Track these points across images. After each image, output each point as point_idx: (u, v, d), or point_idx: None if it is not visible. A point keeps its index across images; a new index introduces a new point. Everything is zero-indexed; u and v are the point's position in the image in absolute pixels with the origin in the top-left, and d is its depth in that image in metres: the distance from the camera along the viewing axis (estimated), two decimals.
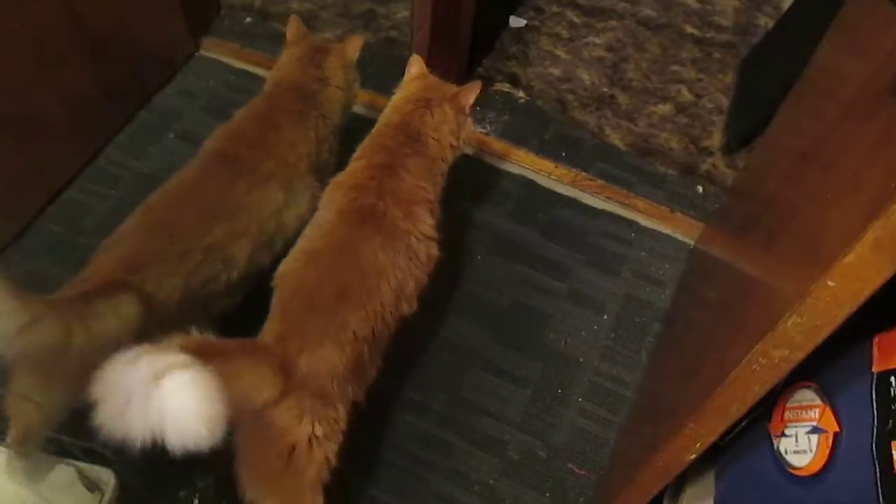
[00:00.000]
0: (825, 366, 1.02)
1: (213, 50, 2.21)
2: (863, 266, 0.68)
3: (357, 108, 2.05)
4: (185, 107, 2.06)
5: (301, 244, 1.30)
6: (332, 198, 1.35)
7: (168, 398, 0.86)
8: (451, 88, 1.49)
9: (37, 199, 1.81)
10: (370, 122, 1.98)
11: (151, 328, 1.23)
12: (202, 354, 0.93)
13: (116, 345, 1.10)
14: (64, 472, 1.33)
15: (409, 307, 1.38)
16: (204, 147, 1.46)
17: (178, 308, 1.29)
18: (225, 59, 2.19)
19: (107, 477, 1.39)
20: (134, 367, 0.87)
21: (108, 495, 1.37)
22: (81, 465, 1.36)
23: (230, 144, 1.45)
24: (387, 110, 1.50)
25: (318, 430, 1.13)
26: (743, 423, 1.02)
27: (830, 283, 0.71)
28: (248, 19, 2.31)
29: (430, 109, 1.44)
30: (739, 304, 1.11)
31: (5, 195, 1.71)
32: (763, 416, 1.11)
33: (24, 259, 1.73)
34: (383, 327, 1.27)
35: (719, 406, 0.93)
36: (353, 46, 1.63)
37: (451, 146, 1.47)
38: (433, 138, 1.43)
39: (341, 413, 1.19)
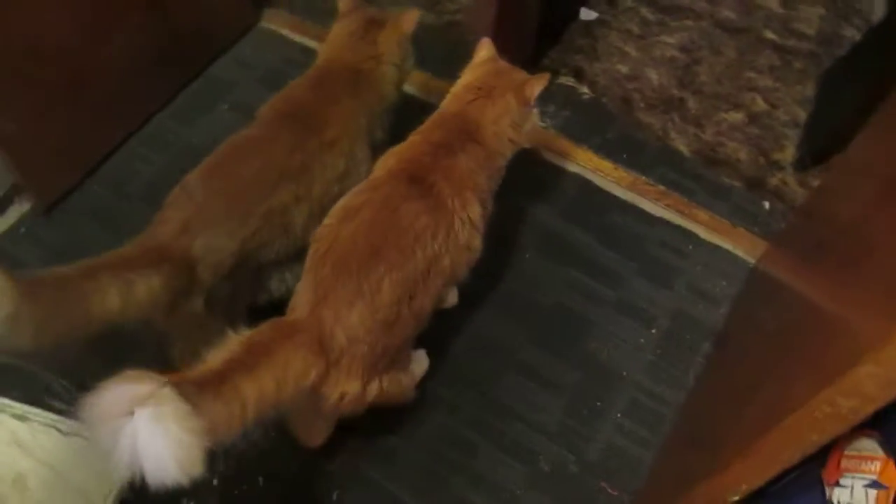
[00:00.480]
0: (892, 414, 0.93)
1: (273, 22, 2.17)
2: None
3: (415, 92, 2.01)
4: (240, 78, 2.03)
5: (342, 201, 1.27)
6: (384, 164, 1.33)
7: (138, 435, 0.82)
8: (519, 76, 1.42)
9: (86, 161, 1.80)
10: (427, 106, 1.95)
11: (195, 297, 1.21)
12: (245, 357, 0.99)
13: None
14: (79, 440, 1.31)
15: (446, 292, 1.33)
16: (261, 112, 1.43)
17: (229, 277, 1.27)
18: (285, 32, 2.15)
19: None
20: (102, 401, 0.83)
21: None
22: None
23: (293, 108, 1.42)
24: (448, 95, 1.44)
25: (361, 386, 1.18)
26: (796, 472, 0.94)
27: None
28: None
29: (492, 99, 1.37)
30: (804, 339, 1.03)
31: (56, 155, 1.71)
32: (817, 459, 1.02)
33: (68, 219, 1.73)
34: (417, 296, 1.23)
35: (771, 449, 0.86)
36: (409, 20, 1.55)
37: (510, 140, 1.40)
38: (492, 130, 1.37)
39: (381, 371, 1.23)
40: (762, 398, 1.03)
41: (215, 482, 1.40)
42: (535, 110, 1.44)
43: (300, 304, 1.17)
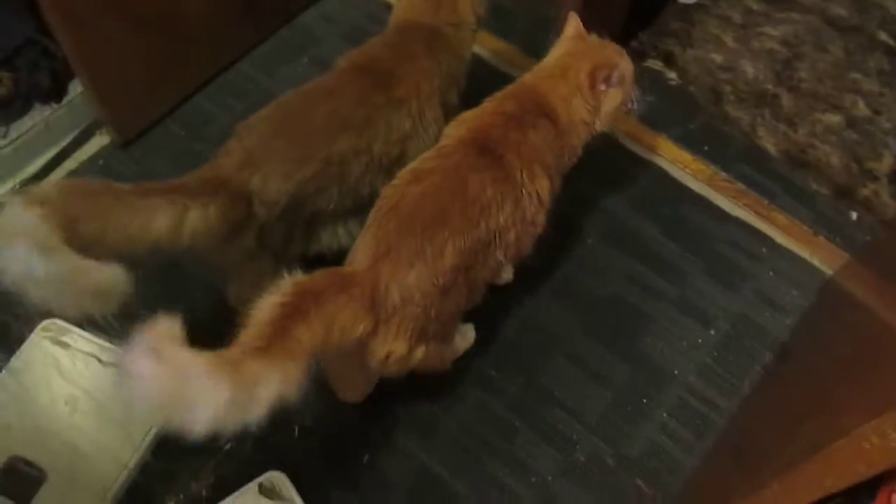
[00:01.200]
0: None
1: None
2: None
3: (495, 62, 1.97)
4: (324, 32, 2.03)
5: (412, 165, 1.27)
6: (454, 132, 1.31)
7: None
8: (601, 54, 1.37)
9: (167, 100, 1.84)
10: (505, 76, 1.91)
11: (247, 232, 1.23)
12: (297, 302, 1.00)
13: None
14: None
15: (503, 266, 1.33)
16: (336, 63, 1.44)
17: (283, 218, 1.28)
18: None
19: None
20: None
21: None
22: None
23: (368, 62, 1.41)
24: (534, 69, 1.41)
25: (407, 348, 1.18)
26: (837, 501, 0.88)
27: None
28: None
29: (565, 77, 1.33)
30: (869, 364, 0.96)
31: (139, 92, 1.75)
32: (865, 493, 0.96)
33: (144, 156, 1.78)
34: (475, 267, 1.22)
35: (812, 475, 0.81)
36: None
37: (584, 122, 1.35)
38: (563, 109, 1.33)
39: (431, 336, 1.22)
40: (814, 420, 0.97)
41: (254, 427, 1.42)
42: (615, 91, 1.37)
43: (359, 257, 1.17)
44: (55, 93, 1.71)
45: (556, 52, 1.40)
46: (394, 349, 1.17)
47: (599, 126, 1.39)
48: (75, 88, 1.73)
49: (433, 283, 1.16)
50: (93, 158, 1.76)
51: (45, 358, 1.36)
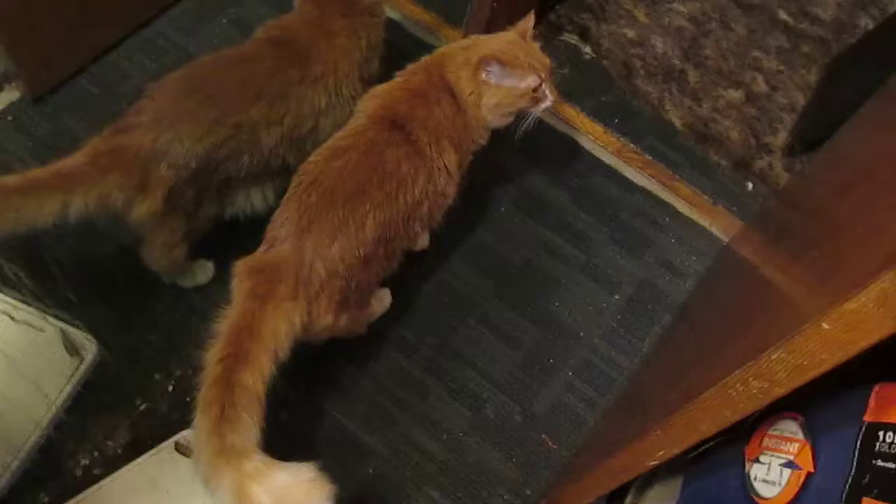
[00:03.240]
0: (816, 401, 0.96)
1: None
2: (863, 317, 0.62)
3: (415, 30, 1.99)
4: None
5: (328, 143, 1.30)
6: (365, 107, 1.34)
7: None
8: (515, 53, 1.35)
9: (81, 55, 1.79)
10: (423, 44, 1.93)
11: (153, 192, 1.26)
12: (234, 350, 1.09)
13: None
14: (45, 333, 1.34)
15: (419, 236, 1.37)
16: (256, 34, 1.44)
17: (193, 180, 1.29)
18: None
19: (89, 344, 1.41)
20: None
21: (87, 362, 1.39)
22: (68, 326, 1.38)
23: (286, 35, 1.42)
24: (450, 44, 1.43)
25: (334, 318, 1.24)
26: (712, 443, 0.97)
27: (825, 326, 0.65)
28: None
29: (467, 56, 1.35)
30: (741, 318, 1.05)
31: (50, 46, 1.69)
32: (741, 437, 1.06)
33: (55, 112, 1.73)
34: (395, 239, 1.28)
35: (688, 421, 0.88)
36: None
37: (474, 105, 1.35)
38: (458, 88, 1.35)
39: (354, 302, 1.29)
40: (694, 373, 1.05)
41: (171, 388, 1.44)
42: (495, 89, 1.34)
43: (282, 232, 1.20)
44: None
45: (491, 37, 1.42)
46: (322, 322, 1.21)
47: (488, 118, 1.38)
48: None
49: (355, 255, 1.20)
50: (2, 113, 1.70)
51: None
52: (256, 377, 1.08)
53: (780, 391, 0.75)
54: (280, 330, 1.13)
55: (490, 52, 1.33)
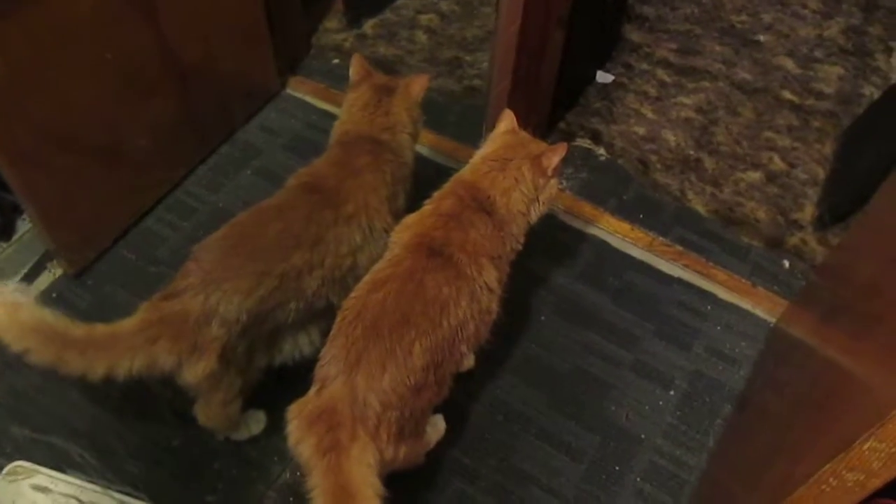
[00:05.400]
0: None
1: (298, 89, 2.25)
2: None
3: (434, 157, 2.05)
4: (265, 144, 2.09)
5: (367, 277, 1.31)
6: (399, 238, 1.36)
7: None
8: (537, 147, 1.43)
9: (116, 226, 1.86)
10: (444, 169, 1.98)
11: (208, 354, 1.27)
12: None
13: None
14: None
15: (466, 357, 1.38)
16: (288, 182, 1.48)
17: (244, 335, 1.30)
18: (309, 99, 2.22)
19: None
20: None
21: None
22: (132, 500, 1.37)
23: (316, 180, 1.46)
24: (467, 165, 1.46)
25: (393, 451, 1.21)
26: None
27: None
28: (336, 60, 2.35)
29: (505, 171, 1.39)
30: (817, 404, 1.01)
31: (88, 221, 1.77)
32: None
33: (96, 284, 1.78)
34: (443, 363, 1.26)
35: None
36: (419, 86, 1.59)
37: (521, 213, 1.40)
38: (502, 202, 1.38)
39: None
40: (777, 466, 1.01)
41: None
42: (555, 181, 1.44)
43: (332, 371, 1.19)
44: (4, 231, 1.72)
45: (492, 146, 1.46)
46: (385, 454, 1.19)
47: (534, 216, 1.44)
48: (23, 226, 1.74)
49: (406, 384, 1.19)
50: (46, 292, 1.75)
51: None
52: None
53: (876, 482, 0.72)
54: (367, 476, 1.12)
55: (540, 153, 1.39)
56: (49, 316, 1.22)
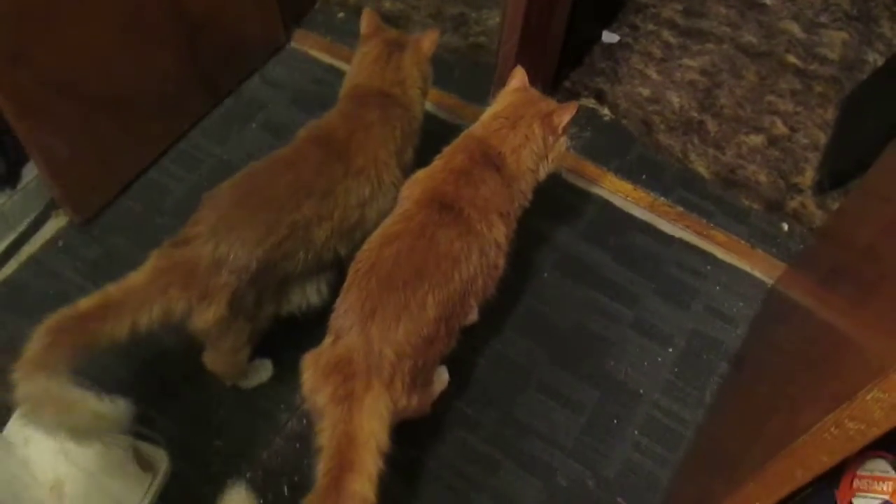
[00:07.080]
0: None
1: (303, 43, 2.23)
2: None
3: (439, 113, 2.05)
4: (271, 97, 2.09)
5: (378, 230, 1.33)
6: (410, 193, 1.37)
7: None
8: (547, 105, 1.44)
9: (122, 177, 1.87)
10: (451, 127, 1.99)
11: (218, 300, 1.28)
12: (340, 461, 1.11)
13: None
14: (118, 450, 1.35)
15: (473, 310, 1.40)
16: (298, 135, 1.49)
17: (254, 282, 1.32)
18: (314, 53, 2.21)
19: (161, 458, 1.42)
20: None
21: (160, 476, 1.40)
22: (140, 442, 1.40)
23: (326, 133, 1.47)
24: (477, 122, 1.48)
25: (408, 399, 1.24)
26: (807, 490, 0.96)
27: None
28: (341, 14, 2.33)
29: (516, 129, 1.41)
30: (818, 361, 1.05)
31: (95, 171, 1.77)
32: (831, 480, 1.04)
33: (102, 234, 1.79)
34: (453, 316, 1.29)
35: (783, 470, 0.88)
36: (429, 42, 1.59)
37: (531, 170, 1.43)
38: (512, 159, 1.40)
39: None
40: (777, 419, 1.05)
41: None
42: (564, 139, 1.46)
43: (346, 324, 1.21)
44: (9, 179, 1.72)
45: (503, 103, 1.47)
46: (400, 404, 1.22)
47: (543, 173, 1.47)
48: (30, 172, 1.74)
49: (420, 335, 1.22)
50: (52, 240, 1.76)
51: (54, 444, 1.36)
52: (364, 482, 1.09)
53: (877, 431, 0.75)
54: (375, 428, 1.14)
55: (550, 111, 1.41)
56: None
